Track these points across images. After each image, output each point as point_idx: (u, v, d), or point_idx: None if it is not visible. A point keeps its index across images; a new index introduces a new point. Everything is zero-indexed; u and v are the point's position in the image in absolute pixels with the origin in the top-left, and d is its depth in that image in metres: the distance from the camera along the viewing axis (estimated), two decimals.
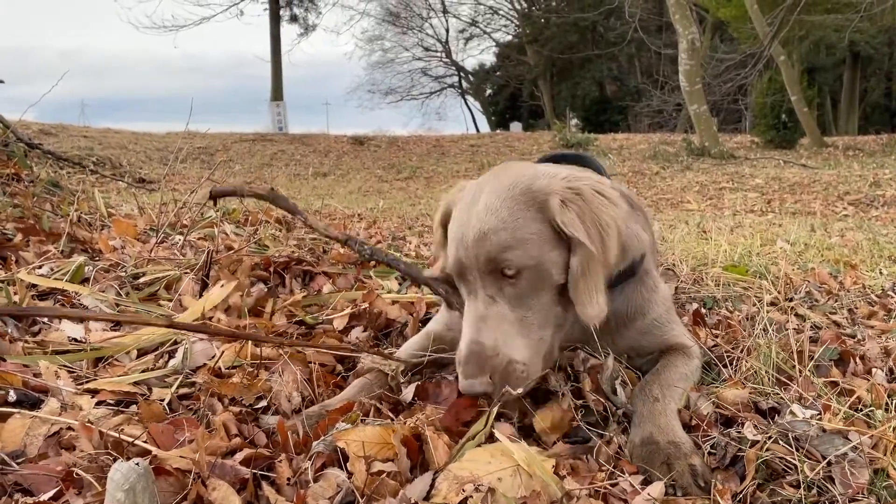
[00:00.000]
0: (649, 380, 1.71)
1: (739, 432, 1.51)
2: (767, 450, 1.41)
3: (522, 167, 1.77)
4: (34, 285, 2.37)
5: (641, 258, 1.90)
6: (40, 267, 2.55)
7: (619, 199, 1.69)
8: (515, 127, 33.42)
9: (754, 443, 1.44)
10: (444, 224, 1.83)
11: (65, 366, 1.88)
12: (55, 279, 2.43)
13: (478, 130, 41.77)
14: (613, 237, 1.61)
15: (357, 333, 2.35)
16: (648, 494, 1.31)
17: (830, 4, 22.27)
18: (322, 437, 1.45)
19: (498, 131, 32.06)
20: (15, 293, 2.20)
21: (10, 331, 2.07)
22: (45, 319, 2.18)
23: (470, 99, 50.07)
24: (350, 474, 1.35)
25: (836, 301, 2.77)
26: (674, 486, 1.36)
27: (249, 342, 1.99)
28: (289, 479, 1.37)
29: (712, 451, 1.48)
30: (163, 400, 1.73)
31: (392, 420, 1.59)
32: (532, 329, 1.59)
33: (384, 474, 1.35)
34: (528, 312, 1.59)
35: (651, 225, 2.17)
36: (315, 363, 1.95)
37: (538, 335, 1.60)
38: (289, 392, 1.79)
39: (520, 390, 1.53)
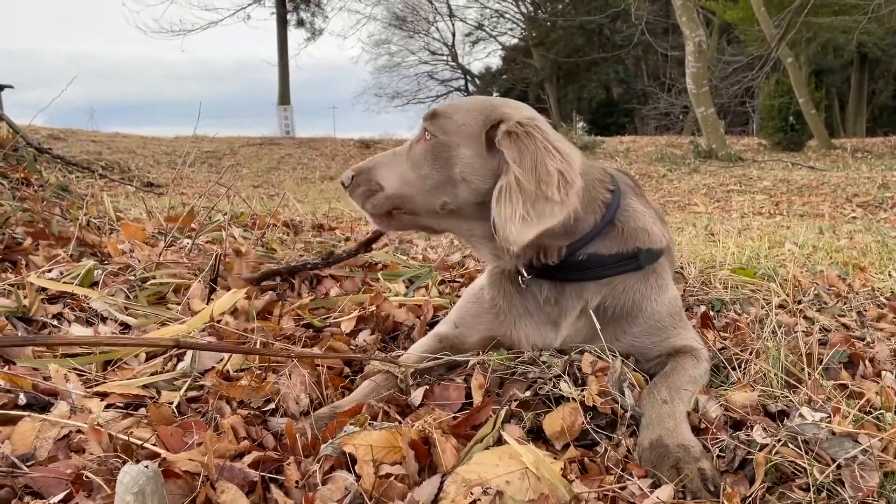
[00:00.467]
0: (657, 382, 1.71)
1: (748, 435, 1.50)
2: (777, 453, 1.41)
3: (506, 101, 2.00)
4: (44, 289, 2.38)
5: (650, 253, 1.91)
6: (50, 271, 2.56)
7: (573, 157, 1.79)
8: None
9: (763, 446, 1.44)
10: None
11: (74, 369, 1.89)
12: (65, 283, 2.44)
13: None
14: (553, 179, 1.70)
15: (364, 336, 2.35)
16: (657, 498, 1.30)
17: (838, 6, 22.19)
18: (330, 440, 1.45)
19: None
20: (25, 297, 2.21)
21: (19, 334, 2.09)
22: (55, 322, 2.19)
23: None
24: (358, 477, 1.35)
25: (844, 303, 2.76)
26: (683, 490, 1.36)
27: (257, 345, 1.99)
28: (297, 481, 1.37)
29: (721, 454, 1.47)
30: (171, 403, 1.74)
31: (400, 423, 1.59)
32: (404, 179, 1.87)
33: (392, 477, 1.35)
34: (413, 170, 1.87)
35: (666, 228, 2.18)
36: (323, 366, 1.95)
37: (404, 187, 1.87)
38: (297, 394, 1.79)
39: (364, 203, 1.92)
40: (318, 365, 1.95)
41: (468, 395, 1.76)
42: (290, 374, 1.83)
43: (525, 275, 1.90)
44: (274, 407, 1.75)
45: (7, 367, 1.84)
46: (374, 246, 3.78)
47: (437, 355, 1.95)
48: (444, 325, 2.11)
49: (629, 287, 1.89)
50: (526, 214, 1.68)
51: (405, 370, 1.84)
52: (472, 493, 1.29)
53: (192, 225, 3.60)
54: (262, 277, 2.76)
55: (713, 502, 1.33)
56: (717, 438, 1.52)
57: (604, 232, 1.88)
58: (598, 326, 1.85)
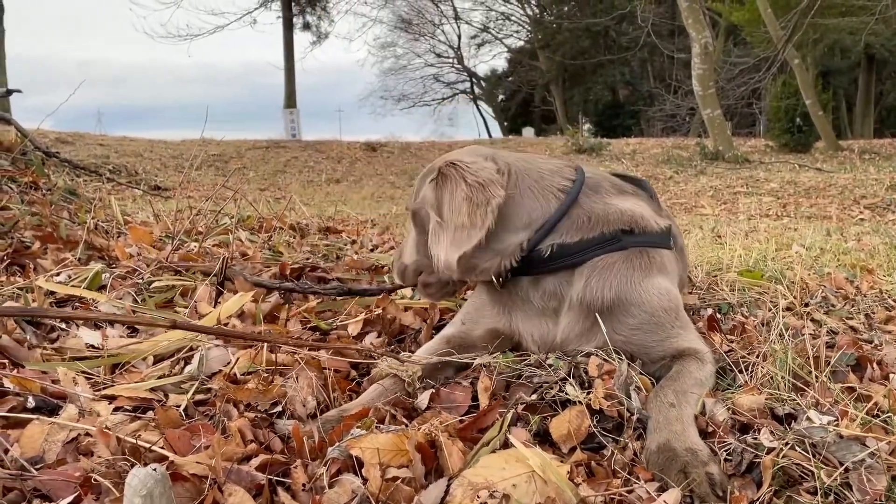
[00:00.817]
0: (664, 386, 1.70)
1: (755, 439, 1.50)
2: (784, 456, 1.40)
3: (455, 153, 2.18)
4: (52, 292, 2.40)
5: (633, 235, 1.94)
6: (58, 274, 2.58)
7: (487, 179, 1.97)
8: (528, 132, 33.35)
9: (770, 449, 1.43)
10: None
11: (83, 372, 1.90)
12: (73, 286, 2.46)
13: (490, 136, 41.82)
14: (461, 205, 1.94)
15: (371, 339, 2.36)
16: (664, 501, 1.30)
17: (845, 7, 22.13)
18: (337, 444, 1.46)
19: (510, 137, 31.99)
20: (33, 300, 2.22)
21: (28, 337, 2.10)
22: (63, 325, 2.21)
23: (482, 105, 50.04)
24: (365, 480, 1.35)
25: (852, 306, 2.75)
26: (691, 494, 1.36)
27: (264, 348, 2.00)
28: (304, 484, 1.38)
29: (728, 457, 1.47)
30: (179, 406, 1.75)
31: (406, 426, 1.59)
32: (411, 249, 2.24)
33: (399, 480, 1.35)
34: (418, 238, 2.19)
35: (660, 209, 2.22)
36: (330, 369, 1.96)
37: (414, 255, 2.23)
38: (304, 397, 1.80)
39: (395, 277, 2.36)
40: (324, 368, 1.96)
41: (474, 398, 1.77)
42: (297, 377, 1.84)
43: (497, 281, 2.02)
44: (281, 410, 1.76)
45: (16, 370, 1.85)
46: (380, 249, 3.79)
47: (444, 358, 1.95)
48: (450, 326, 2.16)
49: (612, 272, 1.90)
50: (448, 245, 1.95)
51: (413, 373, 1.84)
52: (478, 497, 1.30)
53: (199, 228, 3.61)
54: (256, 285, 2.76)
55: None
56: (724, 442, 1.52)
57: (566, 223, 1.95)
58: (599, 321, 1.87)
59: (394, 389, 1.82)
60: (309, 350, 2.00)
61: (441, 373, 1.98)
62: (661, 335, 1.90)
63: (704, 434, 1.57)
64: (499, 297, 2.05)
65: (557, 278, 1.95)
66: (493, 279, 2.00)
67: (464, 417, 1.65)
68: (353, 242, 4.22)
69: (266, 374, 1.89)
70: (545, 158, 2.18)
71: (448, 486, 1.34)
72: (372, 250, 4.01)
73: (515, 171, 2.03)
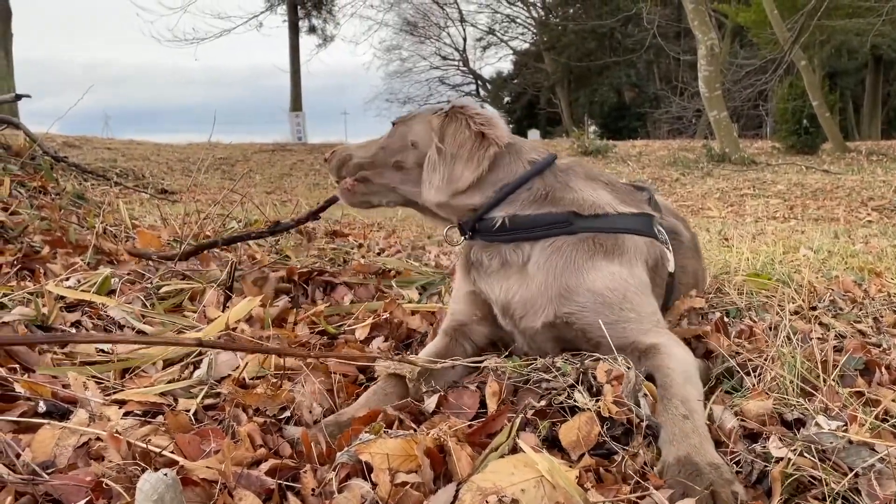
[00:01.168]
0: (667, 396, 1.67)
1: (764, 447, 1.49)
2: (793, 465, 1.40)
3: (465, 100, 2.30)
4: (62, 297, 2.41)
5: (583, 219, 2.01)
6: (67, 279, 2.59)
7: (497, 122, 2.15)
8: (533, 134, 33.35)
9: (779, 459, 1.43)
10: None
11: (93, 377, 1.91)
12: (82, 291, 2.47)
13: None
14: (463, 153, 2.06)
15: (378, 343, 2.37)
16: None
17: (852, 9, 22.05)
18: (346, 448, 1.46)
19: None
20: (44, 305, 2.23)
21: None
22: (74, 330, 2.22)
23: (487, 107, 50.03)
24: (374, 485, 1.36)
25: (860, 309, 2.74)
26: None
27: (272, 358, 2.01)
28: (313, 489, 1.38)
29: (738, 469, 1.46)
30: (188, 410, 1.75)
31: (415, 430, 1.60)
32: (370, 152, 2.26)
33: (408, 485, 1.36)
34: (376, 145, 2.27)
35: (659, 210, 2.34)
36: (337, 373, 1.97)
37: (367, 157, 2.26)
38: (310, 404, 1.80)
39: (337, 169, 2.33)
40: (332, 373, 1.96)
41: (482, 403, 1.77)
42: (304, 383, 1.84)
43: (455, 240, 2.25)
44: (289, 415, 1.76)
45: (27, 374, 1.86)
46: (386, 252, 3.79)
47: (449, 361, 1.96)
48: (444, 320, 2.24)
49: (560, 256, 1.98)
50: (445, 177, 2.07)
51: (413, 373, 1.84)
52: (487, 502, 1.30)
53: (207, 232, 3.63)
54: (197, 249, 2.97)
55: None
56: (733, 451, 1.52)
57: (524, 193, 2.06)
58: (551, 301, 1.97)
59: (393, 390, 1.83)
60: (316, 358, 2.01)
61: (447, 374, 1.99)
62: (610, 317, 1.92)
63: (715, 444, 1.56)
64: (466, 262, 2.17)
65: (510, 248, 2.05)
66: (458, 231, 2.19)
67: (472, 422, 1.65)
68: (360, 246, 4.23)
69: (275, 380, 1.90)
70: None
71: (457, 491, 1.35)
72: (379, 254, 4.02)
73: (507, 134, 2.17)
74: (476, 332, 2.15)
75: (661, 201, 2.61)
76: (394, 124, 2.29)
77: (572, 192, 2.06)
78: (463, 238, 2.20)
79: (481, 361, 2.00)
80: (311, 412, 1.78)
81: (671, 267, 2.27)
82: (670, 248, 2.29)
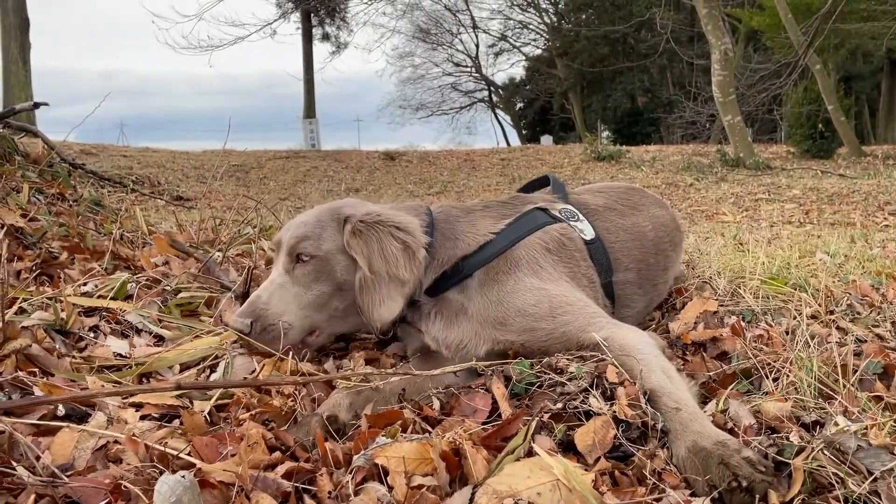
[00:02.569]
0: (648, 394, 1.67)
1: (783, 439, 1.49)
2: (814, 459, 1.39)
3: (346, 201, 2.29)
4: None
5: (467, 260, 2.12)
6: (85, 284, 2.62)
7: (415, 229, 2.12)
8: (546, 140, 33.28)
9: (801, 449, 1.42)
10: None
11: (111, 380, 1.93)
12: (100, 296, 2.49)
13: (508, 144, 41.75)
14: (400, 260, 2.04)
15: (395, 349, 2.37)
16: None
17: (867, 12, 21.89)
18: (362, 452, 1.46)
19: (528, 145, 31.99)
20: (63, 310, 2.26)
21: (57, 346, 2.13)
22: (92, 335, 2.24)
23: (500, 113, 50.11)
24: (390, 488, 1.36)
25: (878, 314, 2.71)
26: (720, 495, 1.35)
27: (289, 360, 2.02)
28: (330, 492, 1.39)
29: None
30: (203, 412, 1.76)
31: (429, 433, 1.60)
32: (304, 304, 2.07)
33: (424, 488, 1.36)
34: (306, 292, 2.08)
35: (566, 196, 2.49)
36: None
37: (307, 312, 2.08)
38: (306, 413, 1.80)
39: (277, 343, 2.01)
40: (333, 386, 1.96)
41: (494, 405, 1.77)
42: (300, 398, 1.85)
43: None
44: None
45: (46, 378, 1.88)
46: None
47: (449, 368, 1.98)
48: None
49: (470, 297, 2.09)
50: (384, 298, 2.04)
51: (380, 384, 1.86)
52: None
53: (222, 238, 3.65)
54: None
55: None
56: (749, 443, 1.51)
57: (433, 266, 2.14)
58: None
59: (351, 390, 1.84)
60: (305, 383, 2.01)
61: (443, 377, 2.00)
62: (546, 328, 1.98)
63: (729, 433, 1.56)
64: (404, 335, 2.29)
65: (431, 305, 2.15)
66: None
67: (487, 426, 1.65)
68: None
69: (289, 392, 1.89)
70: (397, 204, 2.35)
71: (473, 494, 1.35)
72: None
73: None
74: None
75: (589, 186, 2.81)
76: (298, 256, 2.11)
77: (456, 240, 2.17)
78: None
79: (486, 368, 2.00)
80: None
81: (588, 234, 2.34)
82: (580, 218, 2.39)
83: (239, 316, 2.05)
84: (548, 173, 2.60)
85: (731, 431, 1.59)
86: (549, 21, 44.86)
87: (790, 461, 1.42)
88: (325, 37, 37.11)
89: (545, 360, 1.90)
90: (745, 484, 1.33)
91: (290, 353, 2.04)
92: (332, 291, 2.10)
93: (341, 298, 2.12)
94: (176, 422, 1.75)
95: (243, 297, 2.63)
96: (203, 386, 1.90)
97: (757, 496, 1.33)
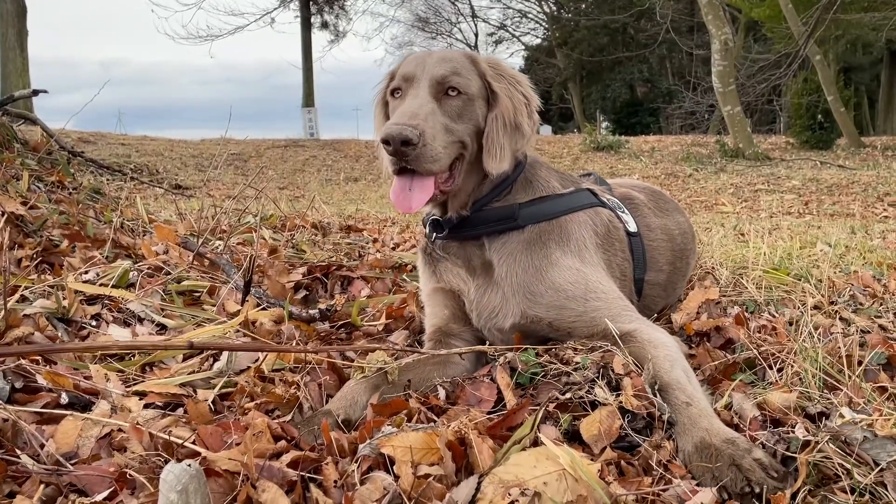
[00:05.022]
0: (660, 385, 1.66)
1: (788, 433, 1.48)
2: (819, 451, 1.39)
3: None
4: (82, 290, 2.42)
5: (529, 208, 2.09)
6: (86, 272, 2.61)
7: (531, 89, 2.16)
8: (545, 130, 33.27)
9: (806, 443, 1.42)
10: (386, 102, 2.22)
11: (114, 368, 1.92)
12: (101, 284, 2.48)
13: None
14: (524, 112, 2.08)
15: (397, 337, 2.37)
16: (702, 501, 1.29)
17: (867, 3, 21.83)
18: (368, 441, 1.46)
19: None
20: (65, 298, 2.25)
21: (60, 335, 2.13)
22: (94, 323, 2.23)
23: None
24: (396, 477, 1.36)
25: (880, 304, 2.71)
26: (728, 492, 1.35)
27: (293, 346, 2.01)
28: (335, 481, 1.38)
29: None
30: (206, 400, 1.76)
31: (434, 423, 1.60)
32: (451, 136, 1.97)
33: (430, 477, 1.36)
34: (452, 123, 1.99)
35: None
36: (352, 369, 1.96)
37: (452, 143, 1.98)
38: (311, 400, 1.80)
39: (432, 167, 1.90)
40: (346, 368, 1.96)
41: (500, 396, 1.77)
42: (304, 382, 1.84)
43: (430, 236, 2.18)
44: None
45: (49, 366, 1.88)
46: (401, 247, 3.79)
47: (452, 351, 2.00)
48: (426, 328, 2.26)
49: (515, 256, 2.04)
50: (505, 143, 2.03)
51: (395, 371, 1.83)
52: (509, 494, 1.30)
53: (223, 227, 3.64)
54: None
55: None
56: (754, 438, 1.51)
57: (504, 189, 2.12)
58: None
59: (366, 387, 1.79)
60: (315, 353, 2.02)
61: (450, 370, 1.98)
62: (577, 309, 1.96)
63: (733, 428, 1.56)
64: (428, 259, 2.22)
65: (470, 247, 2.12)
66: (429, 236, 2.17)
67: (493, 416, 1.65)
68: (375, 241, 4.23)
69: (293, 380, 1.88)
70: None
71: (479, 483, 1.34)
72: (394, 248, 4.02)
73: None
74: (456, 330, 2.17)
75: (621, 180, 2.79)
76: (449, 87, 2.01)
77: (529, 186, 2.16)
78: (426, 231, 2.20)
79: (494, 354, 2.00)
80: (312, 408, 1.78)
81: (632, 227, 2.34)
82: (625, 211, 2.39)
83: (404, 124, 1.85)
84: (589, 171, 2.61)
85: (735, 427, 1.58)
86: (548, 10, 44.69)
87: (796, 455, 1.41)
88: (324, 25, 36.96)
89: (551, 349, 1.90)
90: (757, 490, 1.33)
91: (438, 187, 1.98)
92: (473, 133, 2.04)
93: (474, 146, 2.05)
94: (180, 410, 1.75)
95: (245, 286, 2.62)
96: (215, 346, 1.90)
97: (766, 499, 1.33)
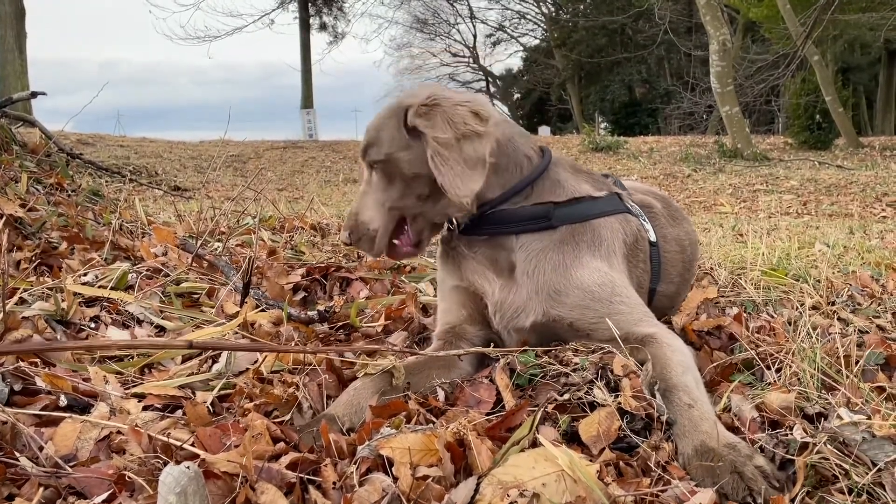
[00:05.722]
0: (667, 386, 1.64)
1: (786, 435, 1.49)
2: (818, 452, 1.39)
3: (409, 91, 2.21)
4: (81, 292, 2.42)
5: (561, 209, 2.04)
6: (85, 274, 2.61)
7: (483, 100, 2.08)
8: (544, 131, 33.20)
9: (804, 445, 1.42)
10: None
11: (113, 371, 1.92)
12: (100, 286, 2.49)
13: None
14: (469, 118, 1.94)
15: (396, 338, 2.37)
16: (701, 502, 1.30)
17: (865, 3, 21.86)
18: (367, 443, 1.46)
19: None
20: (63, 300, 2.25)
21: (59, 337, 2.13)
22: (93, 325, 2.23)
23: (498, 103, 50.07)
24: (395, 479, 1.36)
25: (878, 305, 2.72)
26: (726, 495, 1.35)
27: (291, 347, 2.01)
28: (334, 483, 1.38)
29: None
30: (205, 402, 1.76)
31: (433, 424, 1.60)
32: (383, 205, 2.03)
33: (429, 479, 1.36)
34: (382, 195, 2.03)
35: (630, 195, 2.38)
36: (351, 370, 1.96)
37: (388, 209, 2.03)
38: (309, 401, 1.79)
39: (370, 249, 2.08)
40: (346, 369, 1.96)
41: (499, 397, 1.77)
42: (304, 384, 1.84)
43: (450, 232, 2.13)
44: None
45: (47, 368, 1.88)
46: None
47: (454, 352, 1.99)
48: (437, 324, 2.23)
49: (545, 253, 2.00)
50: (462, 168, 1.91)
51: (400, 373, 1.82)
52: (508, 496, 1.30)
53: (222, 228, 3.64)
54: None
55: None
56: (753, 441, 1.51)
57: (524, 190, 2.06)
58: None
59: (371, 387, 1.78)
60: (314, 353, 2.02)
61: (452, 373, 1.97)
62: (601, 311, 1.94)
63: (732, 431, 1.56)
64: (450, 256, 2.17)
65: (496, 243, 2.06)
66: (451, 233, 2.13)
67: (491, 417, 1.65)
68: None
69: (292, 381, 1.88)
70: None
71: (478, 484, 1.35)
72: None
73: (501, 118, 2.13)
74: (469, 333, 2.13)
75: (631, 183, 2.72)
76: (370, 166, 2.07)
77: (559, 186, 2.09)
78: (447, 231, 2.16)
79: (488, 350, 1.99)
80: (311, 408, 1.77)
81: (653, 237, 2.32)
82: (646, 219, 2.35)
83: (343, 231, 2.12)
84: (606, 173, 2.56)
85: (734, 429, 1.58)
86: (546, 11, 44.73)
87: (794, 457, 1.41)
88: (323, 27, 37.00)
89: (551, 350, 1.90)
90: (759, 500, 1.32)
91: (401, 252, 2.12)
92: (407, 184, 2.02)
93: (423, 185, 2.01)
94: (179, 412, 1.75)
95: (244, 288, 2.62)
96: (215, 346, 1.90)
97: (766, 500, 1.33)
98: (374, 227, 2.05)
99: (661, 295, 2.37)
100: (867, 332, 2.30)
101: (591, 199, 2.11)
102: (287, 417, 1.72)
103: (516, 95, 49.59)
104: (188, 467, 1.28)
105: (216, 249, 3.15)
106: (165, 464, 1.35)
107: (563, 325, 1.98)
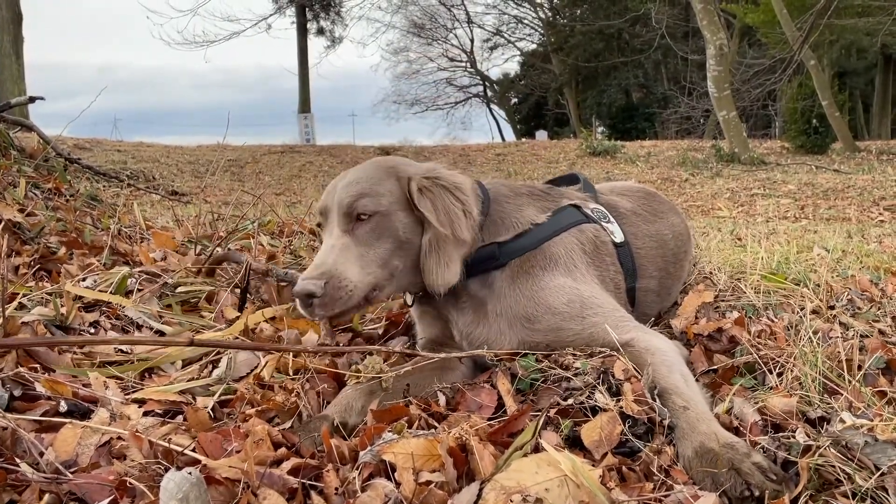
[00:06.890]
0: (661, 393, 1.65)
1: (789, 438, 1.48)
2: (820, 455, 1.39)
3: (394, 159, 2.16)
4: (80, 297, 2.42)
5: (506, 246, 2.07)
6: (84, 279, 2.60)
7: (469, 190, 2.10)
8: (541, 135, 33.27)
9: (807, 448, 1.42)
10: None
11: (113, 376, 1.92)
12: (100, 291, 2.48)
13: (503, 139, 41.72)
14: (462, 221, 1.99)
15: (396, 342, 2.36)
16: None
17: (861, 8, 21.94)
18: (369, 448, 1.46)
19: (523, 140, 31.95)
20: (62, 305, 2.24)
21: None
22: (92, 330, 2.23)
23: (495, 108, 50.17)
24: (398, 484, 1.35)
25: (878, 308, 2.72)
26: (730, 499, 1.35)
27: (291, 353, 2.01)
28: (336, 488, 1.38)
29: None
30: (206, 407, 1.76)
31: (435, 429, 1.59)
32: (367, 263, 1.93)
33: (432, 484, 1.35)
34: (369, 251, 1.94)
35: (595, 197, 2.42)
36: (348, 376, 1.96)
37: (370, 270, 1.93)
38: (310, 409, 1.79)
39: (346, 305, 1.88)
40: (345, 376, 1.95)
41: (500, 401, 1.76)
42: (304, 389, 1.84)
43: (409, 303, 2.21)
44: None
45: (47, 374, 1.87)
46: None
47: (452, 354, 1.99)
48: (419, 339, 2.26)
49: (502, 292, 2.04)
50: (449, 260, 1.96)
51: (388, 379, 1.82)
52: (511, 501, 1.29)
53: (220, 233, 3.63)
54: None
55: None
56: (755, 443, 1.51)
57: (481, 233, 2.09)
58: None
59: (360, 394, 1.80)
60: (313, 353, 2.01)
61: (450, 376, 1.99)
62: (574, 328, 1.96)
63: (734, 433, 1.56)
64: (431, 306, 2.18)
65: (456, 297, 2.09)
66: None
67: (493, 421, 1.65)
68: None
69: (293, 387, 1.88)
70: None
71: (480, 489, 1.34)
72: None
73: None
74: (450, 343, 2.16)
75: (610, 184, 2.77)
76: (359, 216, 1.96)
77: (500, 223, 2.12)
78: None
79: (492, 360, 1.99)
80: (309, 416, 1.77)
81: (618, 237, 2.33)
82: (610, 220, 2.36)
83: (309, 278, 1.85)
84: (575, 172, 2.56)
85: (736, 430, 1.58)
86: (543, 16, 44.84)
87: (797, 460, 1.41)
88: (320, 31, 37.03)
89: (551, 355, 1.90)
90: (756, 493, 1.33)
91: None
92: (394, 249, 1.98)
93: (402, 257, 1.99)
94: (179, 418, 1.74)
95: (242, 292, 2.62)
96: (216, 344, 1.89)
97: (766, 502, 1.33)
98: (353, 284, 1.88)
99: (643, 290, 2.40)
100: (868, 336, 2.29)
101: (535, 228, 2.13)
102: (288, 424, 1.72)
103: (513, 100, 49.62)
104: (190, 473, 1.27)
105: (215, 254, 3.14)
106: (166, 469, 1.34)
107: (539, 347, 2.01)
